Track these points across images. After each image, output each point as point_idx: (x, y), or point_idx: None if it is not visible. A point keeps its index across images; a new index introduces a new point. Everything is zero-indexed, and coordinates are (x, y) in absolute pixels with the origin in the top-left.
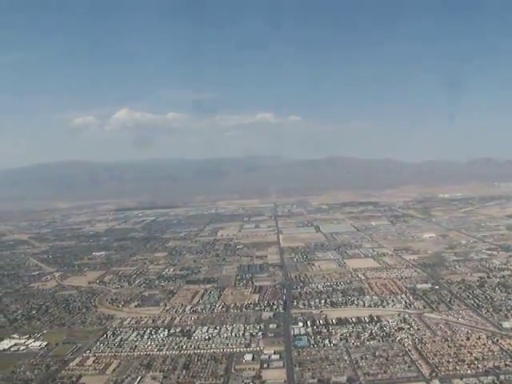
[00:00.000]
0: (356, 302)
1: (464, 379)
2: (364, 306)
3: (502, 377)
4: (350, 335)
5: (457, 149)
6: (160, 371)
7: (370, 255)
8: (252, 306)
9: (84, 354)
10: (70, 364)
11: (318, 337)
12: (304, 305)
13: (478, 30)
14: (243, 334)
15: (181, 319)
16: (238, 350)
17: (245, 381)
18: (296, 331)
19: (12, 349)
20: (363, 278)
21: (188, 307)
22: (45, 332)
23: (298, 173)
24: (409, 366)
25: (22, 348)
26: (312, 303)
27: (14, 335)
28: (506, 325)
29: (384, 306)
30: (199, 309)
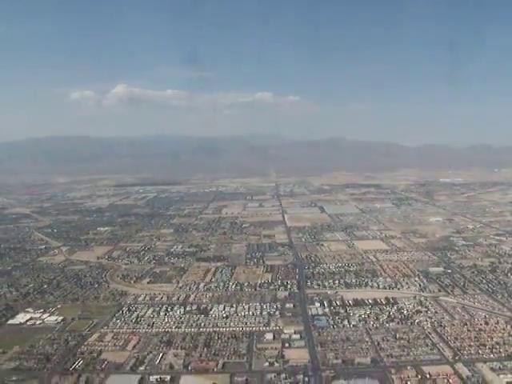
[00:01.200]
0: (370, 284)
1: (488, 363)
2: (378, 287)
3: None
4: (368, 316)
5: (457, 134)
6: (181, 348)
7: (378, 237)
8: (266, 284)
9: (102, 330)
10: (89, 339)
11: (337, 317)
12: (318, 285)
13: (482, 14)
14: (261, 313)
15: (195, 297)
16: (257, 328)
17: (269, 360)
18: (314, 311)
19: (28, 323)
20: (374, 259)
21: (201, 285)
22: (59, 307)
23: (297, 153)
24: (431, 349)
25: (38, 322)
26: (326, 284)
27: (29, 309)
28: None
29: (399, 289)
30: (213, 286)
